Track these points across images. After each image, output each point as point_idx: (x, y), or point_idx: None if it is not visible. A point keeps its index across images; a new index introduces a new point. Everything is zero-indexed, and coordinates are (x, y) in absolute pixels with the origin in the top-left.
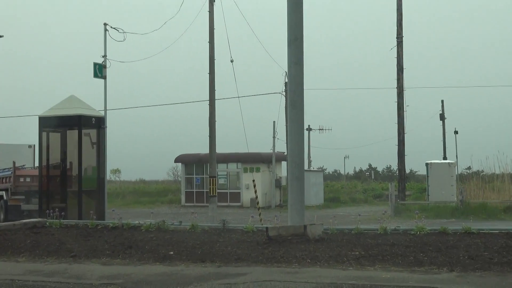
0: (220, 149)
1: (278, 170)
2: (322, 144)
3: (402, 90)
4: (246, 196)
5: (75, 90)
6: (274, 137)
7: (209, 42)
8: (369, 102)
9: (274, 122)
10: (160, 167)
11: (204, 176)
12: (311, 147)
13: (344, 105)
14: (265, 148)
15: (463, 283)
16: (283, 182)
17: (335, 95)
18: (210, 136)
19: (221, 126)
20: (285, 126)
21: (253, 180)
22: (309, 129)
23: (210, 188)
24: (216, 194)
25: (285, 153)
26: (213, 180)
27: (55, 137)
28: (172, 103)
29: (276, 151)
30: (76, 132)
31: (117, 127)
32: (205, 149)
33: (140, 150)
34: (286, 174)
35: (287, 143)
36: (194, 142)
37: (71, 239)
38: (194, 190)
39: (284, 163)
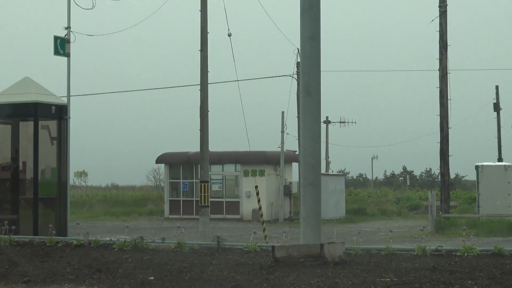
0: (214, 146)
1: (288, 173)
2: (344, 141)
3: (446, 73)
4: (247, 207)
5: (31, 71)
6: (282, 131)
7: (200, 10)
8: (404, 89)
9: (282, 112)
10: (137, 169)
11: (194, 180)
12: (329, 145)
13: (372, 92)
14: (271, 145)
15: None
16: (294, 189)
17: (360, 80)
18: (201, 130)
19: (216, 118)
20: (296, 118)
21: (256, 187)
22: (327, 122)
23: (201, 196)
24: (209, 204)
25: (297, 152)
26: (205, 186)
27: (5, 130)
28: (154, 87)
29: (285, 149)
30: (31, 124)
31: (84, 118)
32: (195, 147)
33: (113, 147)
34: (298, 179)
35: (299, 139)
36: (181, 138)
37: (24, 260)
38: (181, 199)
39: (295, 165)
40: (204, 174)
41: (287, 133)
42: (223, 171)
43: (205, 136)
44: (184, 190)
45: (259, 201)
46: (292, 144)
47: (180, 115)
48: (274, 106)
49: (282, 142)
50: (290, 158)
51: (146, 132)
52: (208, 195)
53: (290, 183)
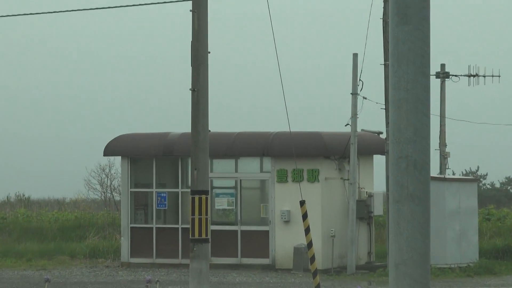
0: (220, 126)
1: (366, 176)
2: (476, 113)
3: None
4: (284, 242)
5: None
6: (355, 93)
7: None
8: None
9: (355, 56)
10: (67, 169)
11: (180, 190)
12: (448, 120)
13: None
14: (331, 122)
15: None
16: (378, 208)
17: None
18: (194, 89)
19: (225, 75)
20: (382, 67)
21: (302, 202)
22: (443, 75)
23: (192, 221)
24: (209, 237)
25: (381, 134)
26: (201, 201)
27: None
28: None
29: (359, 129)
30: None
31: None
32: (181, 126)
33: (20, 131)
34: (384, 189)
35: (387, 109)
36: (154, 114)
37: None
38: (154, 226)
39: (379, 161)
40: (200, 176)
41: (365, 98)
42: (237, 171)
43: (201, 101)
44: (159, 207)
45: (307, 230)
46: (371, 121)
47: (157, 77)
48: (338, 47)
49: (355, 117)
50: (370, 146)
51: (88, 105)
52: (207, 219)
53: (370, 195)
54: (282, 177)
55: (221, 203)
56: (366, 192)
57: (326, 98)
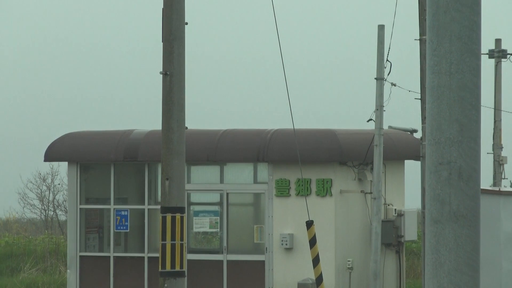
0: (202, 121)
1: (395, 188)
2: None
3: None
4: (284, 275)
5: None
6: (380, 79)
7: None
8: None
9: (380, 28)
10: None
11: (146, 207)
12: (502, 115)
13: None
14: (349, 118)
15: None
16: (410, 233)
17: None
18: (166, 73)
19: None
20: (417, 43)
21: (310, 224)
22: (497, 54)
23: (163, 247)
24: (185, 269)
25: (415, 133)
26: (174, 220)
27: None
28: None
29: (386, 126)
30: None
31: None
32: (144, 123)
33: None
34: (419, 205)
35: (424, 100)
36: (113, 107)
37: None
38: (111, 255)
39: (413, 167)
40: (173, 189)
41: (392, 84)
42: (222, 181)
43: (175, 88)
44: (119, 230)
45: (316, 261)
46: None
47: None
48: (349, 30)
49: (379, 112)
50: (400, 149)
51: (25, 98)
52: (182, 246)
53: (400, 214)
54: (282, 190)
55: (202, 225)
56: (395, 210)
57: (341, 87)
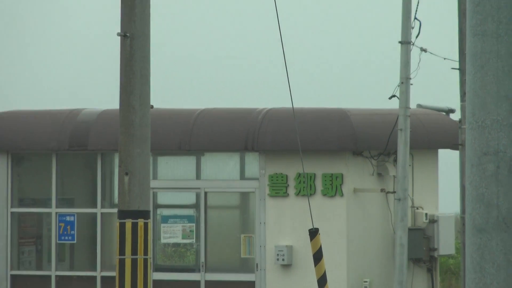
0: (174, 100)
1: (426, 186)
2: None
3: None
4: None
5: None
6: (406, 42)
7: None
8: None
9: None
10: None
11: (99, 210)
12: None
13: None
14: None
15: None
16: (445, 242)
17: None
18: (124, 34)
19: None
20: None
21: (314, 233)
22: None
23: (121, 264)
24: None
25: (452, 113)
26: (136, 228)
27: None
28: None
29: (414, 105)
30: None
31: None
32: (95, 101)
33: None
34: (459, 210)
35: (464, 71)
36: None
37: None
38: (53, 273)
39: (449, 158)
40: (134, 186)
41: (423, 49)
42: (199, 177)
43: (137, 54)
44: (63, 241)
45: (323, 281)
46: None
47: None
48: None
49: (405, 86)
50: (432, 134)
51: None
52: (147, 262)
53: (433, 220)
54: (278, 188)
55: (172, 234)
56: (426, 214)
57: (355, 55)
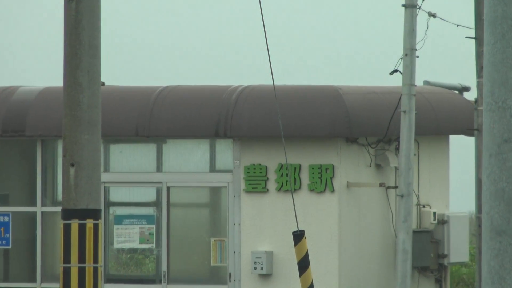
0: (133, 77)
1: (434, 180)
2: None
3: None
4: None
5: None
6: (411, 5)
7: None
8: None
9: None
10: None
11: (39, 208)
12: None
13: None
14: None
15: None
16: (457, 247)
17: None
18: None
19: None
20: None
21: (299, 236)
22: None
23: (64, 274)
24: None
25: (466, 92)
26: (83, 230)
27: None
28: None
29: (420, 82)
30: None
31: None
32: (36, 79)
33: None
34: (474, 209)
35: (481, 41)
36: None
37: None
38: None
39: (462, 146)
40: (82, 180)
41: (431, 14)
42: (160, 169)
43: (84, 19)
44: None
45: None
46: (445, 67)
47: None
48: None
49: (410, 59)
50: (442, 118)
51: None
52: (97, 271)
53: (442, 221)
54: (256, 182)
55: (128, 238)
56: (434, 214)
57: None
